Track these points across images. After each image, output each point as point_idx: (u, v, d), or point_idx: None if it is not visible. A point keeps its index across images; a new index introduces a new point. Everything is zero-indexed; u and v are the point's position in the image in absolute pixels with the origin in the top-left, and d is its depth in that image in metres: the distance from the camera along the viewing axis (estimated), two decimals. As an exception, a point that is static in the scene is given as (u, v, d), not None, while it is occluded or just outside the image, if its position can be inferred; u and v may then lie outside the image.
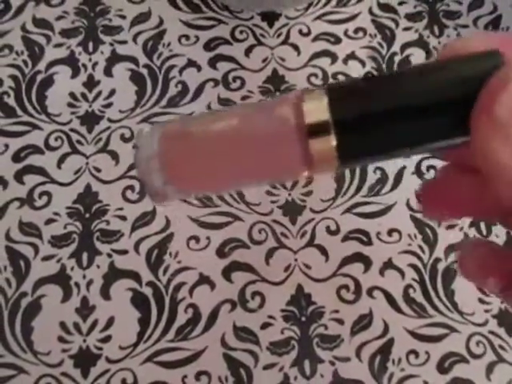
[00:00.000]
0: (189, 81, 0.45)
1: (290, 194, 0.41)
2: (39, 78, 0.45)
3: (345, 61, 0.46)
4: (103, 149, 0.42)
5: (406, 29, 0.48)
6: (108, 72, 0.45)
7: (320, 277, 0.39)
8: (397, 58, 0.46)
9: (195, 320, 0.37)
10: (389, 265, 0.39)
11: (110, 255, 0.39)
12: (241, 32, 0.47)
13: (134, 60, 0.46)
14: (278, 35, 0.47)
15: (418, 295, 0.38)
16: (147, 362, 0.36)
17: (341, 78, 0.45)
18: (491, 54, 0.13)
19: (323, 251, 0.39)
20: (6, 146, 0.42)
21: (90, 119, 0.43)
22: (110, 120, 0.43)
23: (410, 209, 0.40)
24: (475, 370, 0.36)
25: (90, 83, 0.45)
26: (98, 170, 0.42)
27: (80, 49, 0.46)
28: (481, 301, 0.38)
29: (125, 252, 0.39)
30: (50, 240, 0.39)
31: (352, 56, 0.46)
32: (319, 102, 0.14)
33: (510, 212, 0.13)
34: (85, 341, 0.37)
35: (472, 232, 0.40)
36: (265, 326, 0.37)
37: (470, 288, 0.38)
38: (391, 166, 0.42)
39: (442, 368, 0.36)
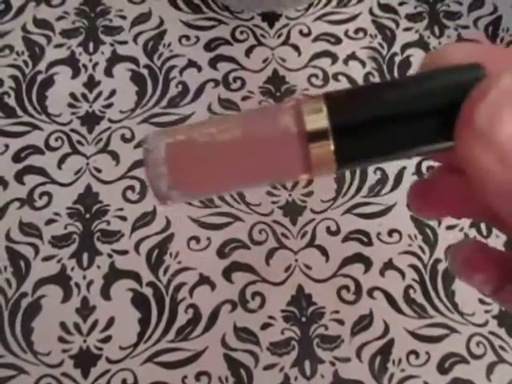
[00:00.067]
0: (189, 81, 0.45)
1: (290, 195, 0.41)
2: (40, 78, 0.45)
3: (345, 61, 0.46)
4: (103, 149, 0.42)
5: (407, 29, 0.48)
6: (108, 72, 0.45)
7: (320, 277, 0.39)
8: (397, 59, 0.46)
9: (195, 320, 0.37)
10: (389, 265, 0.39)
11: (110, 255, 0.39)
12: (241, 32, 0.47)
13: (134, 60, 0.46)
14: (279, 36, 0.47)
15: (418, 296, 0.38)
16: (147, 363, 0.36)
17: (341, 78, 0.45)
18: (474, 66, 0.14)
19: (323, 252, 0.39)
20: (7, 146, 0.42)
21: (91, 119, 0.43)
22: (110, 120, 0.43)
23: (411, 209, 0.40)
24: (475, 370, 0.36)
25: (91, 83, 0.45)
26: (99, 171, 0.42)
27: (80, 49, 0.46)
28: (481, 301, 0.38)
29: (125, 252, 0.39)
30: (51, 240, 0.39)
31: (352, 56, 0.46)
32: (318, 110, 0.15)
33: (495, 213, 0.14)
34: (85, 341, 0.37)
35: (472, 232, 0.40)
36: (265, 326, 0.37)
37: (470, 289, 0.38)
38: (391, 166, 0.42)
39: (443, 368, 0.36)
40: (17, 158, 0.42)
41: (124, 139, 0.43)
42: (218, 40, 0.47)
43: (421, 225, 0.40)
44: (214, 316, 0.37)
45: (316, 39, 0.47)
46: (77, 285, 0.38)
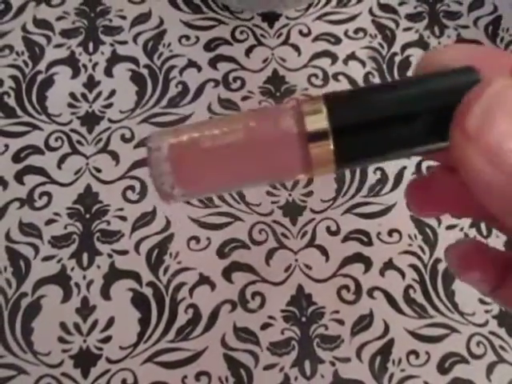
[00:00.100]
0: (189, 81, 0.45)
1: (290, 195, 0.41)
2: (39, 78, 0.45)
3: (345, 61, 0.46)
4: (103, 149, 0.42)
5: (407, 29, 0.48)
6: (108, 72, 0.45)
7: (320, 277, 0.39)
8: (397, 59, 0.46)
9: (195, 320, 0.37)
10: (389, 265, 0.39)
11: (110, 255, 0.39)
12: (241, 32, 0.47)
13: (134, 60, 0.46)
14: (279, 35, 0.47)
15: (418, 295, 0.38)
16: (147, 363, 0.36)
17: (341, 78, 0.45)
18: (468, 70, 0.15)
19: (323, 251, 0.39)
20: (6, 146, 0.42)
21: (91, 119, 0.43)
22: (110, 120, 0.43)
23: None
24: (475, 370, 0.36)
25: (91, 83, 0.45)
26: (99, 171, 0.42)
27: (80, 49, 0.46)
28: (481, 301, 0.38)
29: (125, 252, 0.39)
30: (50, 240, 0.39)
31: (352, 56, 0.46)
32: (318, 111, 0.16)
33: (489, 212, 0.14)
34: (85, 341, 0.37)
35: (472, 232, 0.40)
36: (265, 326, 0.37)
37: (470, 289, 0.38)
38: (391, 166, 0.42)
39: (443, 368, 0.36)
40: (16, 158, 0.42)
41: (124, 139, 0.43)
42: (218, 40, 0.47)
43: (421, 225, 0.40)
44: (213, 316, 0.37)
45: (316, 39, 0.47)
46: (77, 285, 0.38)
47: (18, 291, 0.38)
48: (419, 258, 0.39)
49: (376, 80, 0.45)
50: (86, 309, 0.38)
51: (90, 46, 0.46)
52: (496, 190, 0.13)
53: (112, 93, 0.44)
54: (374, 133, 0.16)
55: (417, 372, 0.36)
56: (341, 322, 0.37)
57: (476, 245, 0.19)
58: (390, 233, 0.40)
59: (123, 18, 0.47)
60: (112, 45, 0.46)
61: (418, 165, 0.42)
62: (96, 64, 0.45)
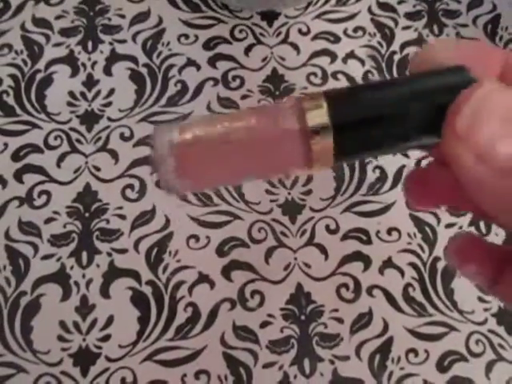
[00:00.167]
0: (188, 80, 0.45)
1: (289, 193, 0.41)
2: (38, 77, 0.45)
3: (344, 60, 0.46)
4: (103, 148, 0.42)
5: (406, 28, 0.48)
6: (107, 71, 0.45)
7: (319, 275, 0.39)
8: (396, 57, 0.46)
9: (195, 319, 0.37)
10: (388, 263, 0.39)
11: (109, 254, 0.39)
12: (240, 31, 0.47)
13: (133, 59, 0.46)
14: (278, 34, 0.47)
15: (417, 294, 0.38)
16: (147, 361, 0.36)
17: (340, 76, 0.45)
18: (460, 69, 0.16)
19: (323, 250, 0.39)
20: (6, 144, 0.42)
21: (90, 118, 0.43)
22: (109, 119, 0.43)
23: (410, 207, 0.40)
24: (475, 368, 0.36)
25: (90, 82, 0.45)
26: (98, 169, 0.42)
27: (79, 48, 0.46)
28: (480, 299, 0.38)
29: (124, 251, 0.39)
30: (50, 239, 0.39)
31: (351, 55, 0.46)
32: (319, 107, 0.16)
33: (480, 206, 0.15)
34: (84, 340, 0.37)
35: (471, 230, 0.40)
36: (264, 324, 0.37)
37: (469, 287, 0.38)
38: (390, 164, 0.42)
39: (442, 366, 0.36)
40: (16, 156, 0.42)
41: (123, 138, 0.43)
42: (217, 39, 0.47)
43: (420, 223, 0.40)
44: (213, 314, 0.37)
45: (315, 38, 0.47)
46: (76, 283, 0.38)
47: (18, 290, 0.38)
48: (418, 256, 0.39)
49: (375, 79, 0.45)
50: (85, 307, 0.38)
51: (89, 44, 0.46)
52: (486, 187, 0.14)
53: (111, 91, 0.44)
54: (371, 128, 0.16)
55: (416, 370, 0.36)
56: (340, 321, 0.37)
57: (471, 238, 0.19)
58: (390, 231, 0.40)
59: (122, 16, 0.47)
60: (111, 43, 0.46)
61: (418, 163, 0.42)
62: (95, 63, 0.45)
